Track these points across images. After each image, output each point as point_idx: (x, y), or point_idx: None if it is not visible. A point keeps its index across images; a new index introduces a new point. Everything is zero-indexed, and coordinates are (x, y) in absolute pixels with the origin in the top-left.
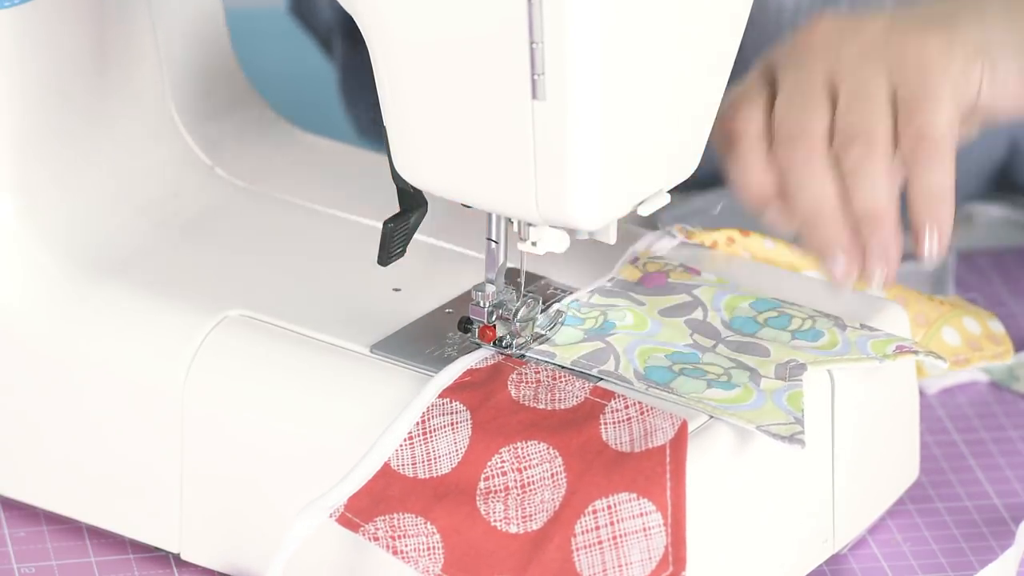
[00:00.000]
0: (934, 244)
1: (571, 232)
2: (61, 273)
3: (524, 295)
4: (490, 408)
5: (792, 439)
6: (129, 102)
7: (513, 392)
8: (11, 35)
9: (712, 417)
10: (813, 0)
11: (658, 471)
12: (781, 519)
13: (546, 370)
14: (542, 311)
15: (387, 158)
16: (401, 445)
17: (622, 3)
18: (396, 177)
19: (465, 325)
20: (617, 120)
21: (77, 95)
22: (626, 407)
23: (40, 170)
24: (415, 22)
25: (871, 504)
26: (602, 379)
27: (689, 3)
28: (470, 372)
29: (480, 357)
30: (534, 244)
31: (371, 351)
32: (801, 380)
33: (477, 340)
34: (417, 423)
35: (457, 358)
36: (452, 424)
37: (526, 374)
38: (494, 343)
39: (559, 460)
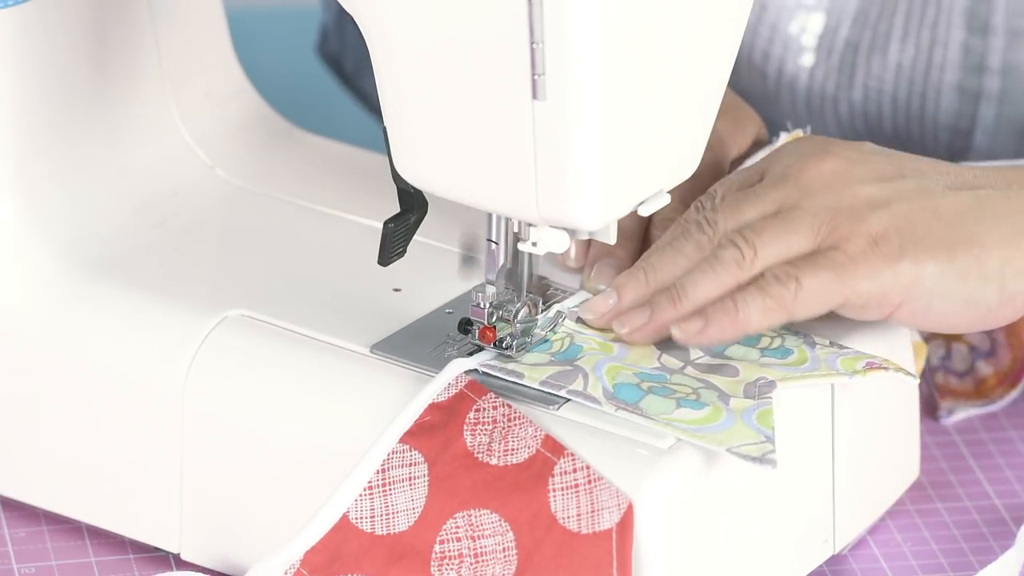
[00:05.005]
0: (688, 328)
1: (571, 232)
2: (61, 273)
3: (524, 296)
4: (447, 462)
5: (763, 460)
6: (129, 101)
7: (469, 440)
8: (11, 35)
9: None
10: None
11: (605, 560)
12: (781, 519)
13: (504, 405)
14: (542, 312)
15: (387, 158)
16: (360, 495)
17: (622, 3)
18: (396, 177)
19: (465, 326)
20: (617, 120)
21: (77, 94)
22: (574, 470)
23: (40, 169)
24: (415, 21)
25: (871, 504)
26: (570, 400)
27: (689, 4)
28: (431, 408)
29: (449, 378)
30: (534, 244)
31: (371, 351)
32: (771, 398)
33: (477, 341)
34: (377, 471)
35: (457, 358)
36: (410, 479)
37: (484, 411)
38: (494, 344)
39: (510, 535)
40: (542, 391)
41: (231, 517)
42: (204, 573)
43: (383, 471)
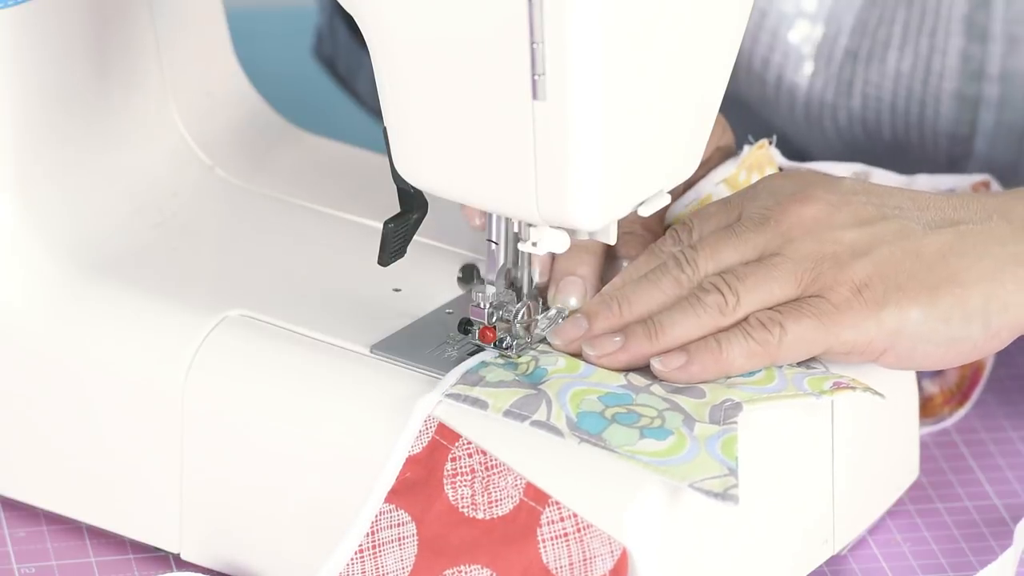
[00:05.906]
0: (670, 363)
1: (571, 232)
2: (61, 273)
3: (524, 296)
4: (433, 521)
5: (725, 495)
6: (129, 101)
7: (451, 494)
8: (11, 35)
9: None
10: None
11: None
12: (780, 520)
13: (479, 452)
14: (542, 312)
15: (387, 158)
16: (352, 559)
17: (622, 3)
18: (396, 177)
19: (465, 326)
20: (617, 120)
21: (77, 95)
22: (561, 519)
23: (40, 170)
24: (416, 22)
25: (871, 504)
26: (537, 430)
27: (689, 4)
28: (409, 463)
29: (418, 424)
30: (534, 244)
31: (371, 351)
32: (736, 423)
33: (478, 341)
34: (367, 534)
35: (456, 359)
36: (399, 539)
37: (460, 460)
38: (495, 344)
39: None
40: (507, 422)
41: (231, 517)
42: (204, 573)
43: (372, 533)
